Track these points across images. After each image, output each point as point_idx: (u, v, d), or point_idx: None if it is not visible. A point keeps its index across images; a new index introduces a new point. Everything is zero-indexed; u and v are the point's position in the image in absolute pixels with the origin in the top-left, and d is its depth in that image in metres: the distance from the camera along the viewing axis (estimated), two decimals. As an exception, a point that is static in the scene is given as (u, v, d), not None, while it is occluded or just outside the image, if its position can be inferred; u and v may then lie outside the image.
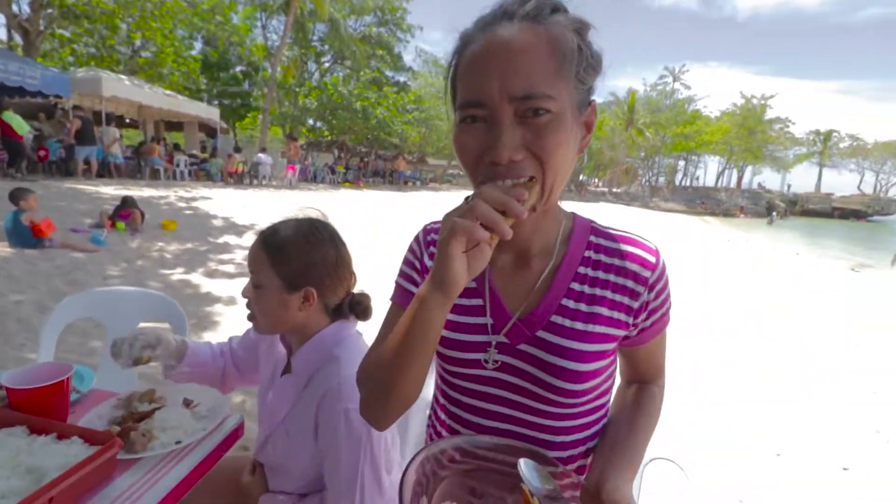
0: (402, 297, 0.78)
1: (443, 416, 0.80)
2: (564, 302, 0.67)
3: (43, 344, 1.55)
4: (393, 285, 0.80)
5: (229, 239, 6.37)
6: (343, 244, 1.04)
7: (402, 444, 1.19)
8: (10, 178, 8.42)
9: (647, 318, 0.69)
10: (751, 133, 42.75)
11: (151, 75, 18.91)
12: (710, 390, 3.27)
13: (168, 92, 15.03)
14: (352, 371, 0.87)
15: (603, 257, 0.69)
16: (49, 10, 13.87)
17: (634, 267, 0.67)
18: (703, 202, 38.57)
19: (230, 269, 4.98)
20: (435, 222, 0.79)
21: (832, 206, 46.87)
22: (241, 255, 5.52)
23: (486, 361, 0.69)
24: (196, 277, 4.52)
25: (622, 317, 0.67)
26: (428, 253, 0.77)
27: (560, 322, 0.67)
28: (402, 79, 29.96)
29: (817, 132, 55.57)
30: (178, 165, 13.11)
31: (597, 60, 0.59)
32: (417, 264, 0.78)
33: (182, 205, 8.50)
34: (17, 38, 14.14)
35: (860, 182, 57.80)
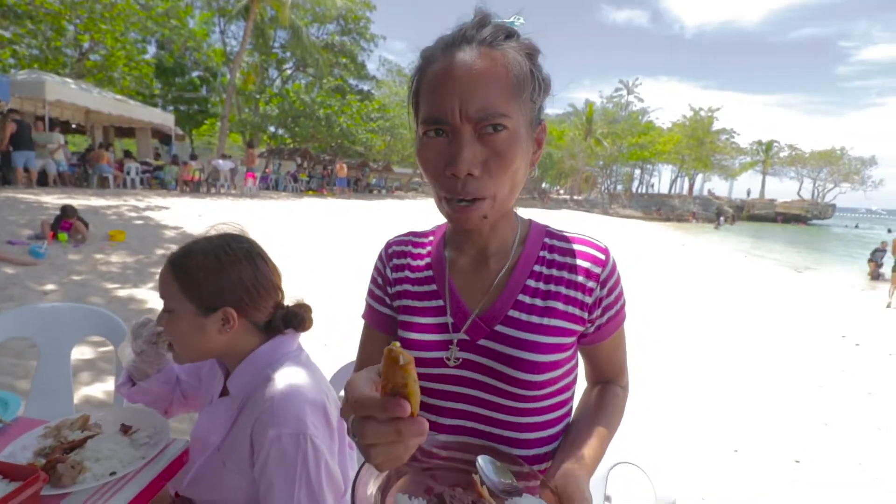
0: (370, 315, 0.83)
1: None
2: (521, 297, 0.71)
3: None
4: (359, 294, 0.85)
5: (184, 250, 6.07)
6: (261, 257, 0.97)
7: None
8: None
9: (602, 314, 0.73)
10: (700, 143, 45.17)
11: (101, 79, 17.99)
12: (667, 389, 3.37)
13: (119, 97, 14.33)
14: (286, 391, 0.84)
15: (556, 256, 0.73)
16: (-16, 8, 12.97)
17: (586, 264, 0.72)
18: (659, 208, 40.28)
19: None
20: (397, 237, 0.85)
21: (776, 211, 50.07)
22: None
23: (448, 359, 0.71)
24: (143, 292, 4.27)
25: (577, 311, 0.71)
26: (391, 266, 0.81)
27: (517, 316, 0.70)
28: (365, 87, 29.80)
29: (759, 142, 59.38)
30: (128, 173, 12.47)
31: (546, 83, 0.65)
32: (380, 280, 0.82)
33: (132, 215, 8.06)
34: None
35: (799, 188, 61.94)
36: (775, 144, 59.70)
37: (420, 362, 0.72)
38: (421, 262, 0.79)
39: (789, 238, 27.54)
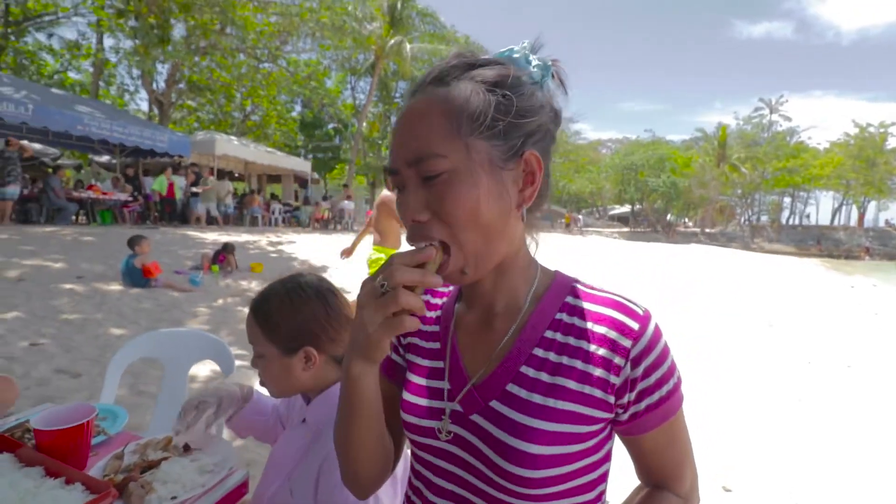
0: (384, 362, 0.75)
1: (408, 490, 0.73)
2: (524, 370, 0.58)
3: (108, 380, 1.66)
4: None
5: (307, 281, 6.74)
6: (332, 292, 1.01)
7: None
8: (140, 226, 9.79)
9: (637, 400, 0.56)
10: (870, 164, 37.68)
11: (259, 135, 21.52)
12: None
13: (269, 149, 16.93)
14: None
15: (577, 321, 0.59)
16: (179, 85, 16.50)
17: (612, 334, 0.56)
18: (818, 242, 34.21)
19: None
20: None
21: None
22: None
23: (440, 431, 0.62)
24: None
25: (598, 393, 0.56)
26: None
27: (515, 392, 0.58)
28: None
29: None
30: (273, 213, 14.47)
31: (525, 110, 0.55)
32: None
33: (270, 248, 9.25)
34: (155, 110, 16.91)
35: None
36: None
37: (413, 429, 0.64)
38: (432, 315, 0.71)
39: None
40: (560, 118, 0.61)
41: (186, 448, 1.06)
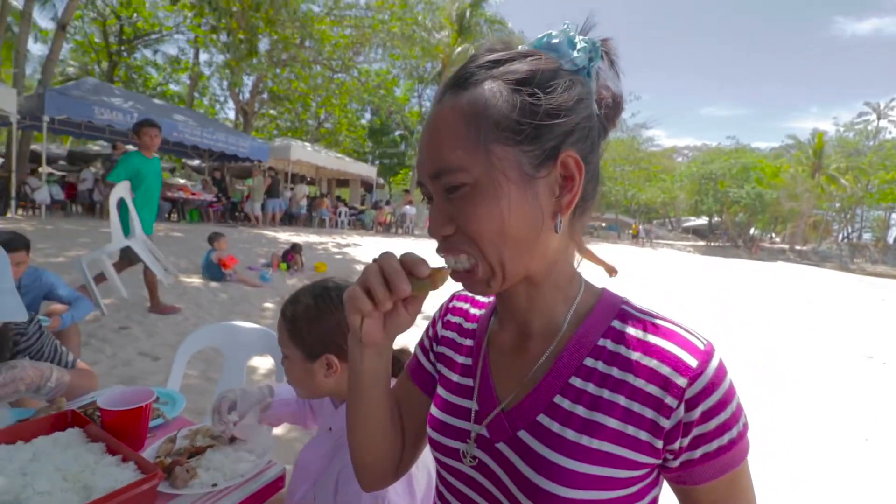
0: (411, 365, 0.73)
1: None
2: (557, 400, 0.52)
3: (175, 367, 1.79)
4: None
5: (367, 282, 6.95)
6: None
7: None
8: (222, 224, 10.63)
9: (692, 448, 0.48)
10: None
11: (330, 142, 22.65)
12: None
13: (339, 155, 17.74)
14: None
15: (623, 350, 0.51)
16: (262, 95, 17.80)
17: (664, 369, 0.48)
18: (934, 265, 29.92)
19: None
20: (464, 290, 0.72)
21: None
22: (373, 298, 5.95)
23: (464, 455, 0.57)
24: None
25: (643, 435, 0.48)
26: (443, 322, 0.71)
27: (547, 424, 0.52)
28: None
29: None
30: (340, 216, 15.14)
31: (558, 108, 0.48)
32: (430, 332, 0.72)
33: (335, 250, 9.65)
34: (241, 119, 18.37)
35: None
36: None
37: (438, 448, 0.61)
38: (470, 327, 0.66)
39: None
40: (619, 106, 0.55)
41: (232, 438, 1.10)
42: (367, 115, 27.95)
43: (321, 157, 15.56)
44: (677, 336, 0.50)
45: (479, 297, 0.69)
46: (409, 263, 0.48)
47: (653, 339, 0.50)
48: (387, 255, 0.48)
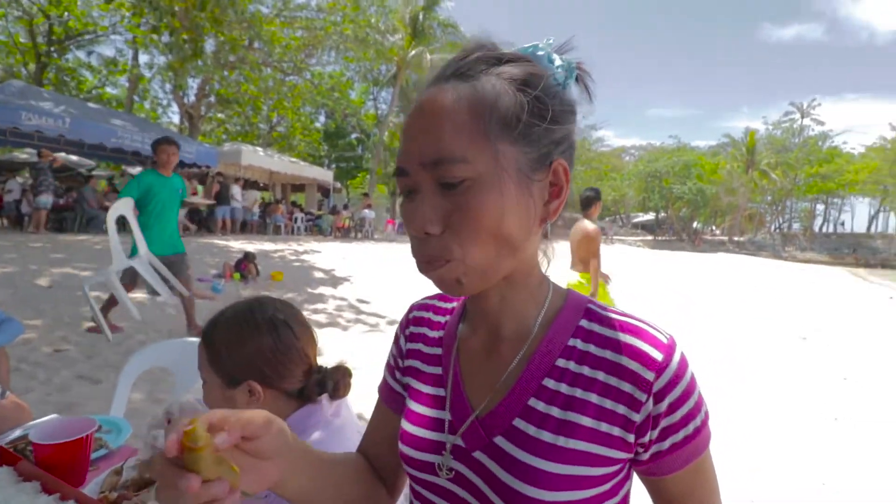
0: (382, 387, 0.71)
1: None
2: (532, 402, 0.52)
3: (118, 390, 1.67)
4: None
5: (325, 290, 6.79)
6: (286, 325, 0.92)
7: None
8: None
9: (660, 439, 0.49)
10: (912, 170, 36.10)
11: (283, 146, 22.03)
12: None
13: (293, 159, 17.29)
14: None
15: (593, 349, 0.52)
16: (209, 99, 17.06)
17: (633, 365, 0.49)
18: (854, 251, 32.77)
19: (321, 318, 5.25)
20: (423, 299, 0.71)
21: None
22: (333, 306, 5.81)
23: (440, 468, 0.55)
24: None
25: (616, 431, 0.49)
26: (406, 335, 0.68)
27: (523, 428, 0.51)
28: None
29: None
30: (296, 221, 14.74)
31: (558, 115, 0.49)
32: (395, 349, 0.70)
33: (292, 257, 9.38)
34: (186, 123, 17.52)
35: None
36: None
37: (412, 463, 0.59)
38: (435, 336, 0.64)
39: None
40: (579, 126, 0.56)
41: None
42: (322, 119, 27.40)
43: (274, 162, 15.11)
44: (641, 331, 0.51)
45: (439, 304, 0.67)
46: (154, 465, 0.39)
47: (619, 335, 0.51)
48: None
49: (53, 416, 1.29)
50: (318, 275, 7.99)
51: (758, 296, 10.19)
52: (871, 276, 20.99)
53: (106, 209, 10.27)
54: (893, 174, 36.39)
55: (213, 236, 11.44)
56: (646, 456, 0.51)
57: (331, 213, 16.34)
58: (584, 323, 0.54)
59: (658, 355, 0.49)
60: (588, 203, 3.84)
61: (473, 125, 0.46)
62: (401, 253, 12.75)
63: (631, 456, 0.51)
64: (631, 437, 0.49)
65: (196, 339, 1.82)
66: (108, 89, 21.61)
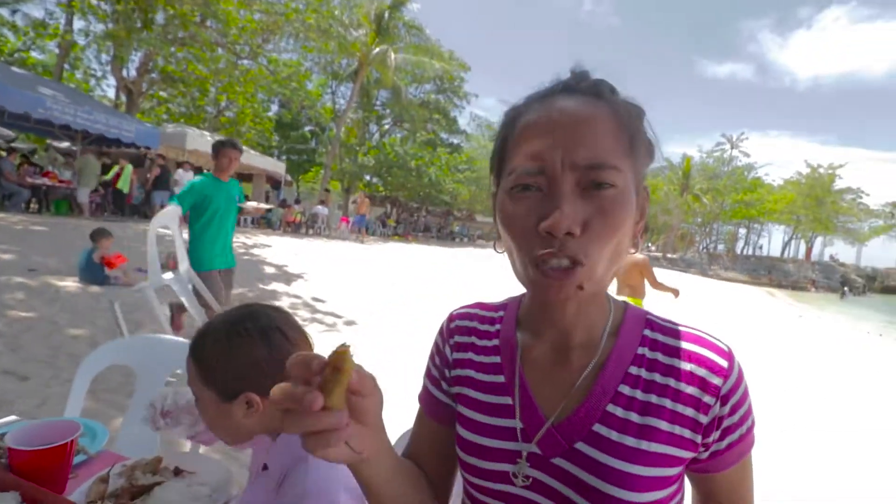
0: (425, 398, 0.70)
1: None
2: (610, 408, 0.54)
3: (74, 390, 1.53)
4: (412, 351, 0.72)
5: (278, 287, 6.53)
6: (280, 331, 0.89)
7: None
8: (101, 219, 9.27)
9: (721, 438, 0.54)
10: (819, 203, 40.41)
11: (231, 132, 20.87)
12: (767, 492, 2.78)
13: (242, 147, 16.44)
14: (320, 478, 0.74)
15: (660, 356, 0.56)
16: (152, 75, 15.88)
17: (701, 371, 0.53)
18: (769, 273, 36.10)
19: (275, 316, 5.06)
20: (462, 308, 0.71)
21: (921, 284, 42.40)
22: (287, 303, 5.60)
23: (516, 476, 0.56)
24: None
25: (686, 433, 0.53)
26: (451, 344, 0.67)
27: (605, 434, 0.53)
28: (455, 141, 31.28)
29: (894, 204, 51.51)
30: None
31: (652, 146, 0.57)
32: (438, 359, 0.69)
33: (241, 250, 8.93)
34: (123, 98, 16.19)
35: (952, 260, 52.27)
36: (917, 207, 51.58)
37: (480, 473, 0.59)
38: (488, 344, 0.64)
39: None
40: None
41: (178, 471, 0.97)
42: (275, 108, 26.32)
43: (222, 149, 14.31)
44: (704, 340, 0.56)
45: (482, 312, 0.68)
46: (298, 366, 0.40)
47: (683, 344, 0.55)
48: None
49: (12, 416, 1.16)
50: (270, 270, 7.67)
51: (689, 309, 10.98)
52: (784, 295, 23.25)
53: (25, 186, 9.32)
54: (805, 206, 40.49)
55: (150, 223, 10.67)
56: (706, 455, 0.55)
57: (280, 206, 15.72)
58: (647, 332, 0.58)
59: (724, 362, 0.54)
60: None
61: (622, 140, 0.51)
62: (357, 252, 12.51)
63: (695, 455, 0.54)
64: (698, 438, 0.53)
65: (165, 336, 1.71)
66: (34, 54, 19.57)
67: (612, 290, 4.48)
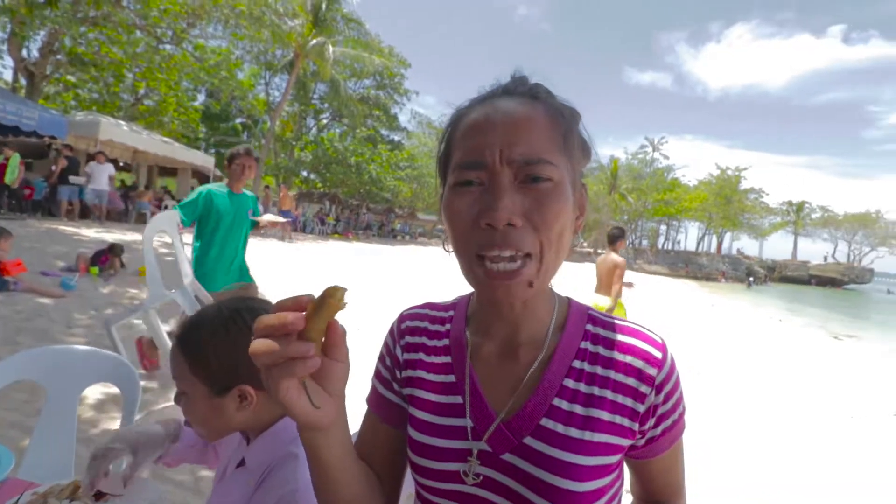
0: (375, 400, 0.69)
1: None
2: (556, 402, 0.56)
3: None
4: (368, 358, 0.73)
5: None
6: None
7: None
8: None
9: (656, 426, 0.58)
10: (727, 201, 44.77)
11: (151, 122, 19.28)
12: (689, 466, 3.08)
13: (165, 139, 15.25)
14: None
15: (601, 350, 0.59)
16: (58, 56, 14.29)
17: (638, 363, 0.57)
18: (686, 266, 39.36)
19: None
20: (412, 309, 0.71)
21: (809, 273, 48.29)
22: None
23: (466, 474, 0.57)
24: (165, 329, 4.30)
25: (625, 422, 0.56)
26: (402, 345, 0.68)
27: (551, 427, 0.55)
28: (396, 138, 31.03)
29: (790, 203, 58.33)
30: (165, 210, 13.04)
31: (588, 147, 0.61)
32: (389, 360, 0.69)
33: (164, 250, 8.31)
34: (22, 81, 14.43)
35: (833, 251, 60.00)
36: (806, 205, 58.62)
37: (431, 474, 0.59)
38: (439, 344, 0.65)
39: (826, 302, 26.26)
40: None
41: (99, 495, 0.91)
42: (202, 97, 24.66)
43: (142, 139, 13.18)
44: (640, 333, 0.60)
45: (431, 312, 0.69)
46: (288, 300, 0.44)
47: (621, 337, 0.59)
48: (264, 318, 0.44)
49: None
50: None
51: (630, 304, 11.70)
52: (698, 286, 25.45)
53: None
54: (716, 204, 44.71)
55: (57, 221, 9.64)
56: (642, 441, 0.59)
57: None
58: (589, 327, 0.61)
59: (658, 354, 0.58)
60: (614, 239, 4.67)
61: (557, 138, 0.55)
62: (298, 250, 12.05)
63: (633, 442, 0.58)
64: (636, 426, 0.57)
65: (77, 347, 1.57)
66: None
67: (592, 288, 4.86)
